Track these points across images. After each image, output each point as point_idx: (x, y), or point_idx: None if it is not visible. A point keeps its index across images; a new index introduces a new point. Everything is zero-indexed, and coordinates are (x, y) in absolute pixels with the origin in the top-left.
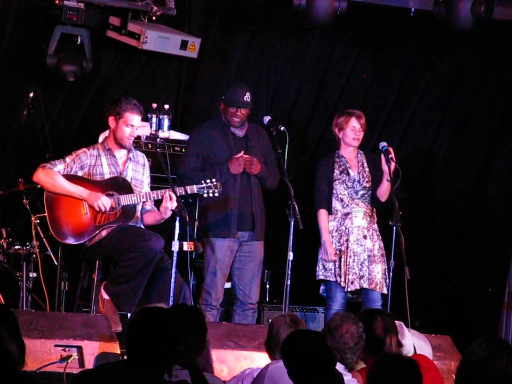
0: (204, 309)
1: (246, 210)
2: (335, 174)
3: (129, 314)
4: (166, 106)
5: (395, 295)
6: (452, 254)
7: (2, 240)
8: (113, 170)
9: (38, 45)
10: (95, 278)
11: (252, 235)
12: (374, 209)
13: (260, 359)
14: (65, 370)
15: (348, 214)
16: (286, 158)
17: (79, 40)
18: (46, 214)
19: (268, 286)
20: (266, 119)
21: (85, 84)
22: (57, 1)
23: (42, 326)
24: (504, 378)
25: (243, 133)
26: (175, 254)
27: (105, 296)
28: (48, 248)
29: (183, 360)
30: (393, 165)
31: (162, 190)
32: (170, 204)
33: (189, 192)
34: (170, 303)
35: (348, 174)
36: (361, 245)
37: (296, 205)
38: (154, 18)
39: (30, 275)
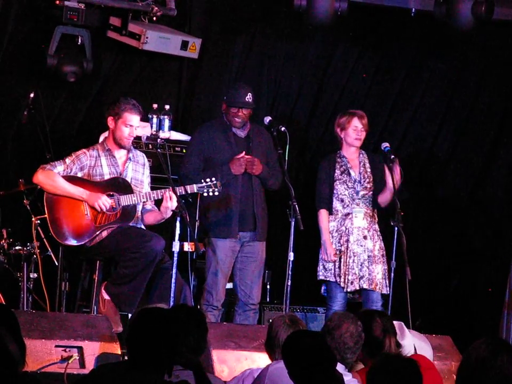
0: (205, 309)
1: (247, 211)
2: (336, 174)
3: (129, 315)
4: (167, 107)
5: (396, 295)
6: (453, 254)
7: (3, 241)
8: (113, 170)
9: (39, 45)
10: (96, 278)
11: (253, 235)
12: (375, 209)
13: (261, 360)
14: (66, 371)
15: (348, 214)
16: (286, 158)
17: (79, 41)
18: (46, 216)
19: (268, 287)
20: (267, 119)
21: (85, 84)
22: (57, 2)
23: (43, 327)
24: (504, 379)
25: (245, 133)
26: (175, 255)
27: (106, 297)
28: (49, 249)
29: (186, 361)
30: (397, 173)
31: (163, 190)
32: (171, 204)
33: (189, 192)
34: (171, 303)
35: (349, 174)
36: (361, 245)
37: (296, 205)
38: (154, 18)
39: (31, 275)
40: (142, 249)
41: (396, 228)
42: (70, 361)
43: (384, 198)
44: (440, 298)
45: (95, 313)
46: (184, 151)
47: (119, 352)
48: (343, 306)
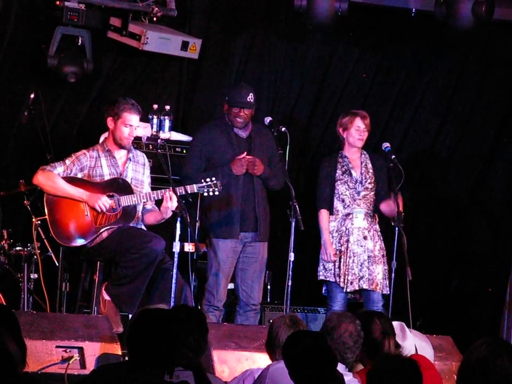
0: (207, 309)
1: (249, 211)
2: (337, 174)
3: (130, 315)
4: (167, 107)
5: (397, 295)
6: (453, 254)
7: (3, 241)
8: (113, 171)
9: (39, 46)
10: (96, 279)
11: (255, 236)
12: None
13: (261, 360)
14: (67, 372)
15: (349, 214)
16: (287, 158)
17: (80, 41)
18: (46, 217)
19: (269, 287)
20: (267, 119)
21: (85, 84)
22: (58, 2)
23: (44, 327)
24: (505, 379)
25: (246, 133)
26: (176, 255)
27: (106, 297)
28: (49, 249)
29: (186, 361)
30: (400, 204)
31: (163, 190)
32: (171, 204)
33: (189, 192)
34: (172, 304)
35: (350, 174)
36: (361, 246)
37: (297, 206)
38: (155, 19)
39: (31, 276)
40: (142, 250)
41: (397, 228)
42: (70, 362)
43: (384, 211)
44: (441, 298)
45: (95, 313)
46: (184, 151)
47: (120, 353)
48: (343, 306)
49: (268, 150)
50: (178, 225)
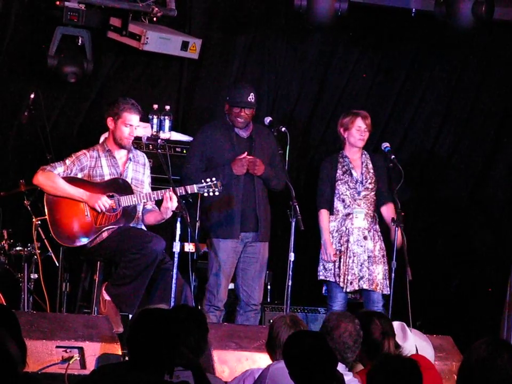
0: (207, 309)
1: (249, 211)
2: (337, 174)
3: (130, 316)
4: (167, 107)
5: (397, 295)
6: (453, 254)
7: (4, 242)
8: (113, 171)
9: (39, 46)
10: (96, 279)
11: (256, 236)
12: (376, 209)
13: (261, 360)
14: (67, 372)
15: (349, 214)
16: (287, 158)
17: (80, 41)
18: (46, 217)
19: (269, 287)
20: (267, 119)
21: (85, 84)
22: (58, 2)
23: (44, 327)
24: (505, 379)
25: (247, 134)
26: (176, 255)
27: (107, 297)
28: (49, 250)
29: (186, 361)
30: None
31: (163, 190)
32: (171, 204)
33: (189, 192)
34: (172, 304)
35: (351, 174)
36: (361, 246)
37: (297, 206)
38: (155, 19)
39: (31, 276)
40: (142, 250)
41: (397, 228)
42: (70, 362)
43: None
44: (441, 298)
45: (95, 314)
46: (184, 151)
47: (120, 353)
48: (343, 306)
49: (268, 150)
50: (178, 225)
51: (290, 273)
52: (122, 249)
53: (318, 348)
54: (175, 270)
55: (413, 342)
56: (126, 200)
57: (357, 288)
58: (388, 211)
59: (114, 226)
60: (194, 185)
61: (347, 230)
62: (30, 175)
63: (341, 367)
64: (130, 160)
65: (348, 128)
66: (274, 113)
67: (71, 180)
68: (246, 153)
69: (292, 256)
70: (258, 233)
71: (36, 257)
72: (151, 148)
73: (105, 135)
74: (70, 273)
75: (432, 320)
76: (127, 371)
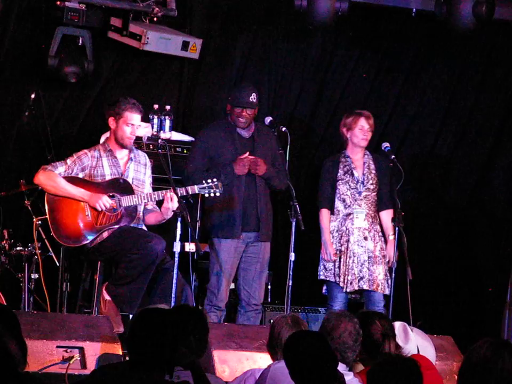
0: (208, 309)
1: (251, 211)
2: (339, 174)
3: (130, 315)
4: (168, 107)
5: (397, 295)
6: (454, 254)
7: (4, 242)
8: (114, 171)
9: (40, 46)
10: (97, 279)
11: (257, 236)
12: (377, 210)
13: (262, 360)
14: (67, 372)
15: (349, 214)
16: (287, 158)
17: (80, 41)
18: (47, 216)
19: (269, 287)
20: (268, 119)
21: (86, 85)
22: (58, 3)
23: (44, 327)
24: (506, 379)
25: (249, 133)
26: (176, 255)
27: (107, 297)
28: (50, 250)
29: (184, 361)
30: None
31: (164, 191)
32: (172, 205)
33: (190, 193)
34: (172, 303)
35: (352, 174)
36: (361, 246)
37: (297, 206)
38: (155, 19)
39: (32, 276)
40: (142, 250)
41: (397, 228)
42: (71, 362)
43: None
44: (442, 298)
45: (96, 313)
46: (185, 151)
47: (120, 353)
48: (344, 306)
49: (270, 150)
50: (179, 225)
51: (291, 273)
52: (122, 249)
53: (319, 348)
54: (175, 270)
55: (414, 342)
56: (127, 201)
57: (356, 288)
58: (387, 217)
59: (114, 227)
60: (195, 186)
61: (347, 230)
62: (30, 175)
63: (341, 367)
64: (132, 160)
65: (350, 128)
66: (274, 113)
67: (72, 180)
68: (247, 153)
69: (292, 256)
70: (260, 233)
71: (36, 257)
72: (151, 147)
73: (106, 135)
74: (70, 273)
75: (432, 320)
76: (128, 371)
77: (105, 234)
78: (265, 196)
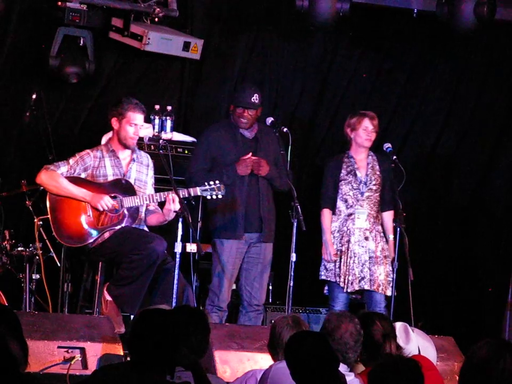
0: (210, 310)
1: (253, 212)
2: (341, 175)
3: (132, 316)
4: (169, 108)
5: (398, 296)
6: (455, 254)
7: (5, 242)
8: (117, 172)
9: (41, 47)
10: (98, 279)
11: (260, 237)
12: (380, 211)
13: (263, 360)
14: (68, 372)
15: (351, 214)
16: (288, 159)
17: (81, 42)
18: (49, 216)
19: (270, 287)
20: (269, 120)
21: (87, 85)
22: (59, 3)
23: (45, 328)
24: (507, 380)
25: (252, 134)
26: (178, 255)
27: (108, 298)
28: (51, 250)
29: (186, 362)
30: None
31: (166, 192)
32: (173, 206)
33: (192, 195)
34: (173, 304)
35: (355, 175)
36: (362, 246)
37: (299, 206)
38: (156, 19)
39: (33, 277)
40: (143, 250)
41: (398, 229)
42: (72, 362)
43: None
44: (443, 298)
45: (97, 314)
46: (186, 152)
47: (122, 353)
48: (345, 306)
49: (273, 150)
50: (180, 225)
51: (292, 273)
52: (123, 250)
53: (320, 349)
54: (176, 271)
55: (415, 343)
56: (128, 201)
57: (357, 288)
58: (389, 218)
59: (116, 227)
60: (198, 188)
61: (348, 231)
62: (31, 175)
63: (342, 368)
64: (134, 160)
65: (355, 128)
66: (276, 114)
67: (74, 180)
68: (250, 153)
69: (293, 257)
70: (262, 234)
71: (37, 257)
72: (152, 148)
73: (107, 136)
74: (71, 274)
75: (434, 321)
76: (129, 371)
77: (106, 235)
78: (268, 196)
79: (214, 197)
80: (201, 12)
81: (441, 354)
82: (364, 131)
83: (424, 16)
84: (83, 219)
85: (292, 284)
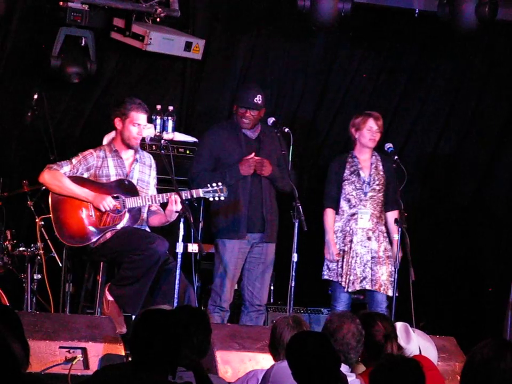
0: (212, 310)
1: (256, 212)
2: (345, 174)
3: (133, 316)
4: (170, 108)
5: (400, 296)
6: (456, 254)
7: (7, 242)
8: (120, 172)
9: (42, 47)
10: (100, 279)
11: (262, 237)
12: (383, 211)
13: (264, 361)
14: (70, 372)
15: (354, 214)
16: (290, 159)
17: (83, 42)
18: (50, 215)
19: (272, 288)
20: (270, 120)
21: (89, 85)
22: (61, 3)
23: (47, 328)
24: (508, 380)
25: (255, 134)
26: (179, 256)
27: (110, 298)
28: (53, 250)
29: (187, 362)
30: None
31: (168, 194)
32: (176, 207)
33: (194, 196)
34: (175, 304)
35: (358, 175)
36: (364, 246)
37: (300, 207)
38: (158, 19)
39: (35, 277)
40: (145, 251)
41: (400, 229)
42: (74, 362)
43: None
44: (444, 298)
45: (99, 314)
46: (188, 152)
47: (123, 353)
48: (347, 306)
49: (276, 151)
50: (182, 225)
51: (293, 274)
52: (125, 250)
53: (321, 349)
54: (178, 271)
55: (416, 343)
56: (131, 202)
57: (358, 288)
58: (392, 218)
59: (118, 227)
60: (200, 190)
61: (351, 230)
62: (33, 175)
63: (344, 368)
64: (137, 161)
65: (359, 128)
66: (277, 114)
67: (77, 180)
68: (253, 153)
69: (295, 257)
70: (265, 234)
71: (39, 257)
72: (154, 148)
73: (109, 136)
74: (73, 274)
75: (435, 321)
76: (130, 372)
77: (108, 235)
78: (271, 196)
79: (217, 198)
80: (202, 12)
81: (442, 354)
82: (368, 131)
83: (426, 16)
84: (85, 219)
85: (293, 284)
